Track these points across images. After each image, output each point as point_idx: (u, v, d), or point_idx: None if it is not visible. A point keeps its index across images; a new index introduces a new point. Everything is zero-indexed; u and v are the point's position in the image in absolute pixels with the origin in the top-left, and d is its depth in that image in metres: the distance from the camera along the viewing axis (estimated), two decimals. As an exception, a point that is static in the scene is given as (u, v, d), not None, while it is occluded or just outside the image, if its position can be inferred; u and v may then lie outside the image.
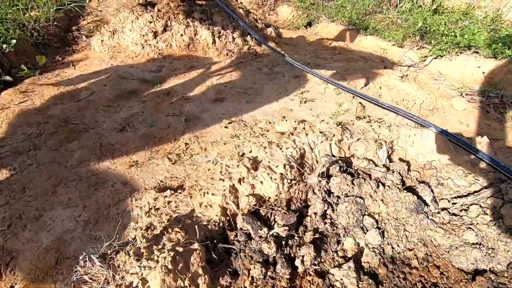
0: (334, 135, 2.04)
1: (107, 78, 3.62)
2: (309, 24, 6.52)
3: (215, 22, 4.56)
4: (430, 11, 5.81)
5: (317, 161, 1.93)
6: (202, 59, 4.18)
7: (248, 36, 4.58)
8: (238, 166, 1.86)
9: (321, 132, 2.02)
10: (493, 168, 2.10)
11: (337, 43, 5.05)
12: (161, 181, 2.04)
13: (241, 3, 5.71)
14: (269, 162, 1.81)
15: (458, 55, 3.81)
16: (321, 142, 1.91)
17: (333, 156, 1.97)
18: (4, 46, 4.14)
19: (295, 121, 2.38)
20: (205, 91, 3.35)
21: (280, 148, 1.97)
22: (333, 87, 3.38)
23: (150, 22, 4.34)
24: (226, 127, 2.63)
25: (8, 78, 3.61)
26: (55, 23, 5.91)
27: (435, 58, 3.98)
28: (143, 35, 4.26)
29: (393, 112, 2.89)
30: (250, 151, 2.05)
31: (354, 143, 2.08)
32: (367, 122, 2.57)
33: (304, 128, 2.26)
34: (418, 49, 4.29)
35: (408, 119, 2.74)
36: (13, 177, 2.11)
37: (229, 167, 1.92)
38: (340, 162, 1.89)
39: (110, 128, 2.68)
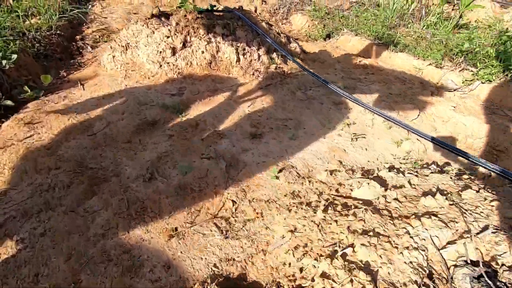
0: (452, 220, 1.47)
1: (123, 103, 3.12)
2: (328, 36, 6.08)
3: (239, 37, 4.09)
4: (456, 26, 5.43)
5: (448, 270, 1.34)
6: (226, 79, 3.70)
7: (274, 53, 4.11)
8: (349, 281, 1.34)
9: (435, 216, 1.52)
10: None
11: (366, 60, 4.62)
12: (214, 266, 1.57)
13: (259, 14, 5.24)
14: (389, 274, 1.29)
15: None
16: (446, 234, 1.41)
17: (473, 264, 1.32)
18: (4, 62, 3.61)
19: (380, 186, 1.88)
20: (238, 122, 2.89)
21: (395, 247, 1.45)
22: (380, 117, 2.95)
23: (168, 37, 3.85)
24: (276, 177, 2.17)
25: (9, 102, 3.08)
26: (57, 31, 5.37)
27: (483, 83, 3.58)
28: (160, 52, 3.76)
29: (467, 159, 2.44)
30: (351, 246, 1.51)
31: (488, 235, 1.38)
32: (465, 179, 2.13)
33: (402, 198, 1.75)
34: (460, 71, 3.88)
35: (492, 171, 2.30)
36: (21, 254, 1.63)
37: (328, 276, 1.41)
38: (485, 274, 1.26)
39: (136, 175, 2.20)
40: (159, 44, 3.82)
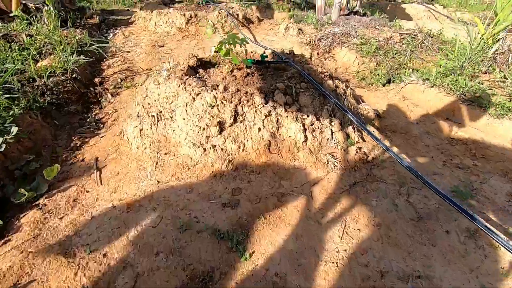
0: None
1: (155, 226, 2.07)
2: (389, 81, 4.95)
3: (303, 106, 3.00)
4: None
5: None
6: (292, 171, 2.62)
7: (350, 126, 3.02)
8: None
9: None
10: None
11: (461, 129, 3.48)
12: None
13: (317, 65, 4.18)
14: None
15: None
16: None
17: None
18: (3, 145, 2.61)
19: None
20: (338, 280, 1.80)
21: None
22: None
23: (212, 107, 2.79)
24: None
25: (-7, 222, 2.06)
26: (73, 75, 4.39)
27: None
28: (204, 129, 2.71)
29: None
30: None
31: None
32: None
33: None
34: None
35: None
36: None
37: None
38: None
39: None
40: (202, 117, 2.76)
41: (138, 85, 4.41)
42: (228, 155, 2.63)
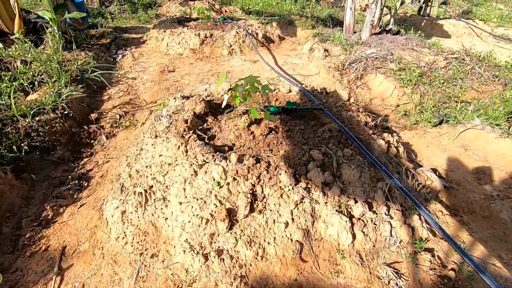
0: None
1: None
2: (440, 122, 3.93)
3: (347, 184, 2.07)
4: None
5: None
6: (336, 294, 1.70)
7: (416, 215, 2.06)
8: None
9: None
10: None
11: None
12: None
13: (358, 110, 3.26)
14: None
15: None
16: None
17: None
18: None
19: None
20: None
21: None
22: None
23: (220, 187, 1.93)
24: None
25: None
26: (65, 111, 3.66)
27: None
28: (206, 222, 1.84)
29: None
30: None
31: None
32: None
33: None
34: None
35: None
36: None
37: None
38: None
39: None
40: (205, 201, 1.89)
41: (138, 125, 3.62)
42: (241, 266, 1.73)
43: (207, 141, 2.26)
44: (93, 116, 3.85)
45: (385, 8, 6.77)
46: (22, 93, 3.86)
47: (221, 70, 5.12)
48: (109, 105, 4.07)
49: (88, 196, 2.60)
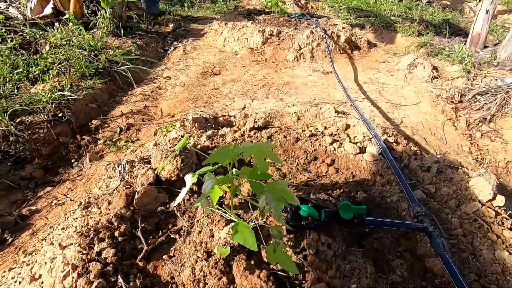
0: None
1: None
2: None
3: None
4: None
5: None
6: None
7: None
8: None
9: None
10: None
11: None
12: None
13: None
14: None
15: None
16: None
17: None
18: None
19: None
20: None
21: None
22: None
23: None
24: None
25: None
26: (58, 113, 2.78)
27: None
28: None
29: None
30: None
31: None
32: None
33: None
34: None
35: None
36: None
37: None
38: None
39: None
40: None
41: (129, 150, 2.50)
42: None
43: None
44: (94, 124, 2.90)
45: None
46: (30, 83, 3.12)
47: (278, 81, 3.70)
48: (119, 111, 3.09)
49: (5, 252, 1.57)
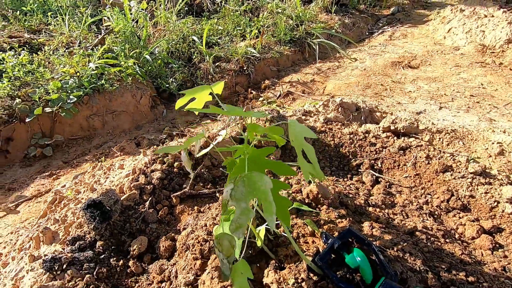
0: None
1: None
2: None
3: None
4: None
5: None
6: None
7: None
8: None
9: None
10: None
11: None
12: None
13: None
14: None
15: None
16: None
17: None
18: None
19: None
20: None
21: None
22: None
23: None
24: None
25: None
26: (241, 68, 3.17)
27: None
28: None
29: None
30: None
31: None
32: None
33: None
34: None
35: None
36: None
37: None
38: None
39: None
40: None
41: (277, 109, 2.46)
42: None
43: None
44: (265, 83, 3.09)
45: None
46: (241, 39, 3.66)
47: (502, 96, 2.49)
48: (289, 78, 3.08)
49: None
